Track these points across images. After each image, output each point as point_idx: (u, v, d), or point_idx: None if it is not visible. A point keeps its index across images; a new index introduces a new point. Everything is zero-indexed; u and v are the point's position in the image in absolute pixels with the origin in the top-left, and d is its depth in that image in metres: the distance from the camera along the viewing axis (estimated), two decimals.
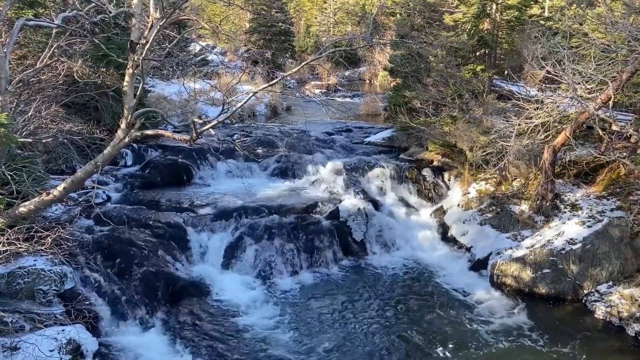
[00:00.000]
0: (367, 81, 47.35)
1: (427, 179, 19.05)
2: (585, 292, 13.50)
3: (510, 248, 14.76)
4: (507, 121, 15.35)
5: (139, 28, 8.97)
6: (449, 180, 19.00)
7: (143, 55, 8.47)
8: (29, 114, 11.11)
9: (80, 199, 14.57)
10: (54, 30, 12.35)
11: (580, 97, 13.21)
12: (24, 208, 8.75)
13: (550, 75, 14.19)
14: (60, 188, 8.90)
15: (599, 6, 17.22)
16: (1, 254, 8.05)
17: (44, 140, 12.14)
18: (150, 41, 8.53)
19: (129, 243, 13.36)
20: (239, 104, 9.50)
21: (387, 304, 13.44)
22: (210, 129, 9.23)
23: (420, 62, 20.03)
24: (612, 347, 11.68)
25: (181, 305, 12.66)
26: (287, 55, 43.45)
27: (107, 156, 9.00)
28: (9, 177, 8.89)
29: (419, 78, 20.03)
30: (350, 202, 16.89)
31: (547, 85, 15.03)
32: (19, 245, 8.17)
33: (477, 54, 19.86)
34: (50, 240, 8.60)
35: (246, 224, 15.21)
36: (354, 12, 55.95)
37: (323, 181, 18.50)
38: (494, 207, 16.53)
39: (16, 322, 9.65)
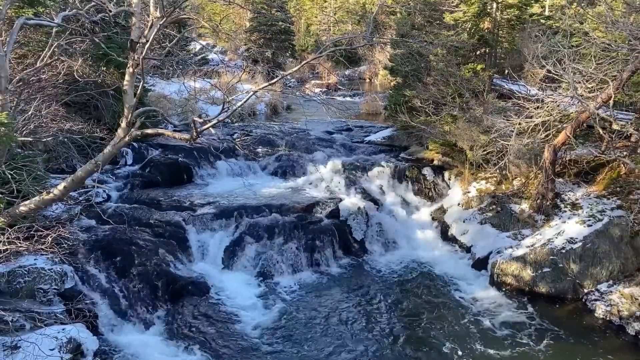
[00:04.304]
0: (368, 80, 47.28)
1: (428, 178, 19.04)
2: (586, 291, 13.50)
3: (511, 247, 14.76)
4: (508, 120, 15.35)
5: (139, 27, 8.95)
6: (449, 179, 18.99)
7: (143, 54, 8.46)
8: (29, 112, 11.10)
9: (80, 198, 14.57)
10: (54, 29, 12.35)
11: (581, 96, 13.20)
12: (24, 207, 8.74)
13: (551, 74, 14.19)
14: (60, 187, 8.89)
15: (599, 5, 17.20)
16: (1, 253, 8.04)
17: (44, 139, 12.12)
18: (150, 40, 8.52)
19: (129, 242, 13.36)
20: (239, 103, 9.48)
21: (387, 303, 13.44)
22: (210, 128, 9.21)
23: (421, 61, 20.01)
24: (612, 346, 11.67)
25: (181, 304, 12.66)
26: (288, 54, 43.40)
27: (108, 155, 8.99)
28: (9, 176, 8.88)
29: (419, 77, 20.01)
30: (351, 201, 16.89)
31: (548, 84, 15.02)
32: (20, 244, 8.15)
33: (478, 53, 19.83)
34: (50, 239, 8.58)
35: (246, 223, 15.22)
36: (354, 11, 55.91)
37: (323, 180, 18.49)
38: (494, 206, 16.53)
39: (16, 321, 9.64)
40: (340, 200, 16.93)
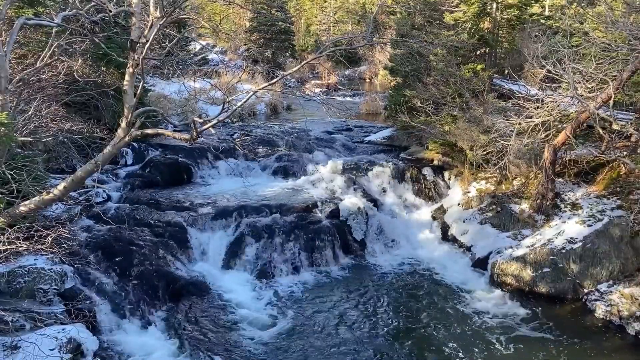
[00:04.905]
0: (368, 80, 47.30)
1: (428, 178, 19.04)
2: (586, 291, 13.49)
3: (511, 247, 14.76)
4: (508, 120, 15.35)
5: (139, 27, 8.94)
6: (449, 179, 18.99)
7: (143, 54, 8.45)
8: (29, 113, 11.10)
9: (80, 198, 14.57)
10: (54, 29, 12.34)
11: (581, 96, 13.20)
12: (24, 207, 8.73)
13: (551, 74, 14.18)
14: (60, 187, 8.88)
15: (599, 5, 17.20)
16: (1, 253, 8.04)
17: (44, 139, 12.12)
18: (150, 40, 8.51)
19: (129, 242, 13.37)
20: (239, 103, 9.47)
21: (387, 303, 13.44)
22: (210, 128, 9.20)
23: (421, 61, 20.01)
24: (613, 346, 11.67)
25: (181, 304, 12.66)
26: (288, 54, 43.40)
27: (108, 155, 8.98)
28: (9, 176, 8.87)
29: (419, 77, 20.01)
30: (351, 201, 16.88)
31: (548, 84, 15.02)
32: (19, 244, 8.15)
33: (478, 52, 19.83)
34: (50, 239, 8.57)
35: (246, 223, 15.20)
36: (354, 10, 55.93)
37: (323, 180, 18.47)
38: (494, 206, 16.53)
39: (16, 321, 9.65)
40: (340, 200, 16.93)
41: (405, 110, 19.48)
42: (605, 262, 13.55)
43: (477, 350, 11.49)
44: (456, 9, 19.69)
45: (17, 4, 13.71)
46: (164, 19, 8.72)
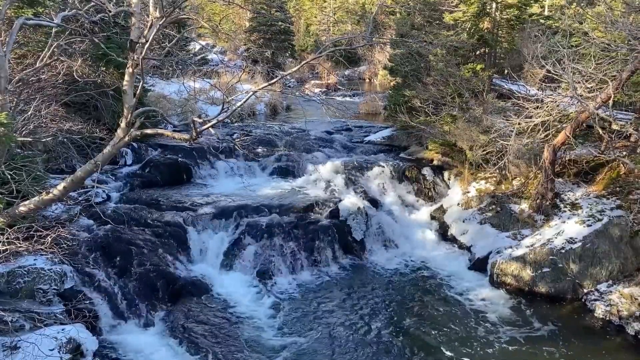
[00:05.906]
0: (367, 80, 47.33)
1: (427, 178, 19.04)
2: (585, 291, 13.50)
3: (510, 247, 14.76)
4: (507, 120, 15.37)
5: (138, 27, 8.94)
6: (448, 179, 18.99)
7: (143, 54, 8.45)
8: (29, 113, 11.10)
9: (80, 198, 14.56)
10: (53, 30, 12.33)
11: (580, 96, 13.21)
12: (23, 207, 8.73)
13: (550, 74, 14.20)
14: (60, 187, 8.88)
15: (598, 5, 17.22)
16: (1, 253, 8.03)
17: (44, 140, 12.13)
18: (150, 40, 8.51)
19: (129, 242, 13.36)
20: (239, 103, 9.47)
21: (387, 303, 13.44)
22: (210, 128, 9.20)
23: (420, 61, 20.02)
24: (612, 346, 11.68)
25: (181, 305, 12.66)
26: (287, 54, 43.41)
27: (107, 155, 8.98)
28: (9, 176, 8.87)
29: (419, 77, 20.01)
30: (350, 201, 16.88)
31: (547, 84, 15.04)
32: (19, 245, 8.14)
33: (477, 52, 19.84)
34: (50, 239, 8.57)
35: (246, 223, 15.20)
36: (353, 11, 55.95)
37: (323, 180, 18.48)
38: (493, 206, 16.53)
39: (16, 321, 9.66)
40: (340, 200, 16.92)
41: (404, 110, 19.49)
42: (604, 262, 13.55)
43: (476, 350, 11.49)
44: (456, 9, 19.70)
45: (16, 4, 13.70)
46: (164, 19, 8.72)
